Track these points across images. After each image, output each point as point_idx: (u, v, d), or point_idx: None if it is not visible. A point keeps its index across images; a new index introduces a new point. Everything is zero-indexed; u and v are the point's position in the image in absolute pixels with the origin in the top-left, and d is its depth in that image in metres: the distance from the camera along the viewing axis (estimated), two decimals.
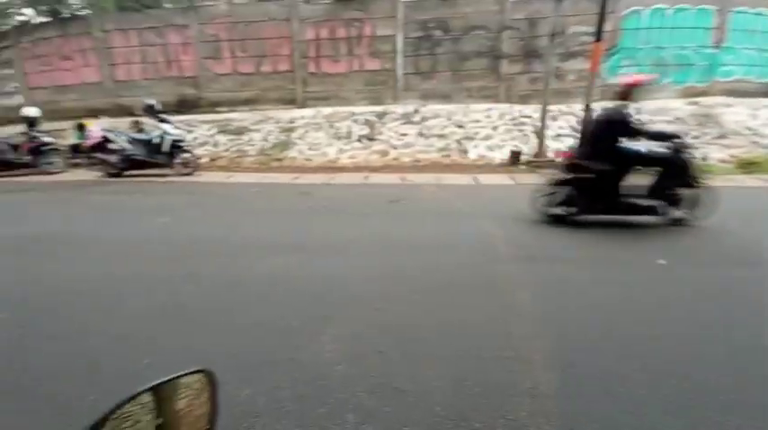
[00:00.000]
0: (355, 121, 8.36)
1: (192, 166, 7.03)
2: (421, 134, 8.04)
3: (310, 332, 2.15)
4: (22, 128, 7.77)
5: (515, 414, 1.54)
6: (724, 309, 2.32)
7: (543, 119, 6.87)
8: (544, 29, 7.99)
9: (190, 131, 8.32)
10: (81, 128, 7.97)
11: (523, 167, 6.88)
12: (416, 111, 8.38)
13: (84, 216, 4.88)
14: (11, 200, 5.92)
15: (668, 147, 3.65)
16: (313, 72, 9.19)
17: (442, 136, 7.94)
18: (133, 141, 7.05)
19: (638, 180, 3.81)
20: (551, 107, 7.19)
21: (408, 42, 8.72)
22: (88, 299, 2.65)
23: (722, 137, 7.38)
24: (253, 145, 8.33)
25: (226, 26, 9.14)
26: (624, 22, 8.10)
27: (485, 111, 8.18)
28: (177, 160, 6.95)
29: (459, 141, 7.80)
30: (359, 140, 8.09)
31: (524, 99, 8.48)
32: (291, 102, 9.26)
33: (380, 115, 8.40)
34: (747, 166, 6.43)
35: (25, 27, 10.35)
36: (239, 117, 8.93)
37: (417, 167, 7.33)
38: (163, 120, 6.97)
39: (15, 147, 7.68)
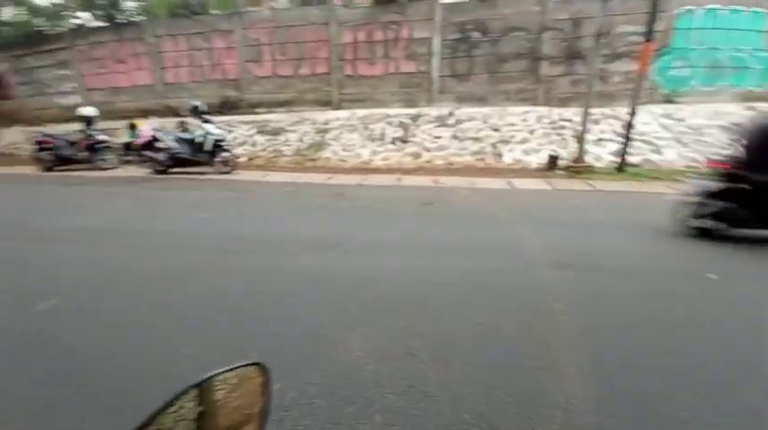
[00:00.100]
0: (389, 123, 8.39)
1: (231, 165, 7.31)
2: (455, 137, 7.95)
3: (342, 330, 2.17)
4: (79, 126, 8.40)
5: (546, 427, 1.49)
6: None
7: (585, 122, 6.60)
8: (588, 29, 7.69)
9: (230, 131, 8.67)
10: (133, 127, 8.52)
11: (561, 173, 6.64)
12: (451, 114, 8.29)
13: (133, 210, 5.19)
14: (68, 193, 6.40)
15: None
16: (349, 74, 9.32)
17: (476, 139, 7.82)
18: (179, 140, 7.43)
19: None
20: (594, 110, 6.90)
21: (445, 44, 8.66)
22: (133, 288, 2.82)
23: None
24: (289, 145, 8.55)
25: (267, 30, 9.46)
26: (676, 21, 7.65)
27: (522, 115, 7.97)
28: (218, 159, 7.26)
29: (494, 145, 7.64)
30: (392, 142, 8.11)
31: (564, 102, 8.19)
32: (327, 103, 9.44)
33: (414, 117, 8.38)
34: None
35: (80, 30, 11.13)
36: (276, 118, 9.20)
37: (450, 171, 7.25)
38: (206, 121, 7.30)
39: (73, 144, 8.30)
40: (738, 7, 7.55)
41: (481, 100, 8.63)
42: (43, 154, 8.27)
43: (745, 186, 3.36)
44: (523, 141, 7.58)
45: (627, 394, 1.65)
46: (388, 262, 3.13)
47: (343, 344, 2.04)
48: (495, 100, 8.56)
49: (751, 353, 1.96)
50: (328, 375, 1.79)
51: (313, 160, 8.12)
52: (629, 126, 6.41)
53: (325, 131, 8.55)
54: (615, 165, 6.65)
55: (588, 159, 6.79)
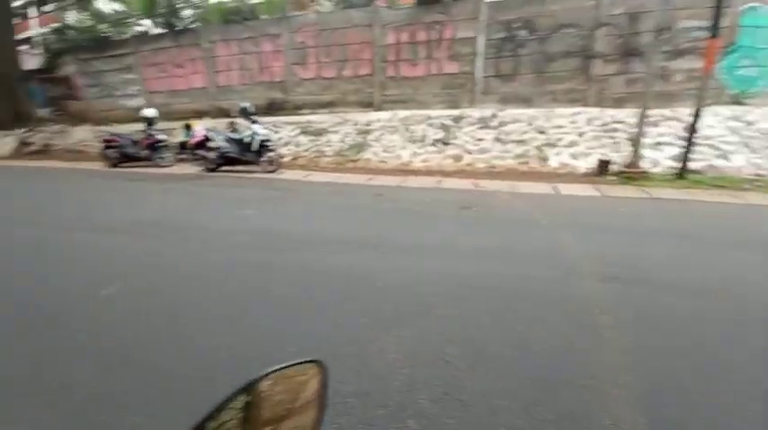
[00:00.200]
0: (431, 125, 8.32)
1: (276, 165, 7.59)
2: (498, 139, 7.73)
3: (377, 331, 2.19)
4: (141, 126, 9.09)
5: None
6: None
7: (641, 124, 6.17)
8: (647, 24, 7.20)
9: (275, 132, 8.99)
10: (188, 128, 9.07)
11: (612, 178, 6.26)
12: (494, 116, 8.08)
13: (186, 205, 5.54)
14: (131, 188, 6.94)
15: None
16: (391, 76, 9.35)
17: (520, 142, 7.56)
18: (228, 140, 7.83)
19: None
20: (652, 111, 6.44)
21: (489, 44, 8.45)
22: (183, 279, 3.01)
23: None
24: (330, 146, 8.73)
25: (312, 33, 9.72)
26: (742, 18, 6.97)
27: (570, 116, 7.60)
28: (263, 158, 7.56)
29: (539, 148, 7.35)
30: (433, 144, 8.04)
31: (618, 102, 7.72)
32: (369, 105, 9.53)
33: (456, 119, 8.26)
34: None
35: (144, 37, 12.06)
36: (319, 119, 9.42)
37: (492, 174, 7.06)
38: (254, 122, 7.63)
39: (136, 143, 9.01)
40: None
41: (526, 101, 8.34)
42: (110, 151, 9.04)
43: None
44: (571, 144, 7.23)
45: (680, 423, 1.52)
46: (426, 264, 3.10)
47: (377, 345, 2.04)
48: (542, 101, 8.23)
49: None
50: (362, 376, 1.80)
51: (354, 161, 8.24)
52: (692, 129, 5.92)
53: (367, 132, 8.64)
54: (675, 172, 6.17)
55: (644, 164, 6.35)
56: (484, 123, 8.04)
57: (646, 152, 6.50)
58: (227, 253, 3.49)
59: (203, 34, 10.80)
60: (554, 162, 7.09)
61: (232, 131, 8.25)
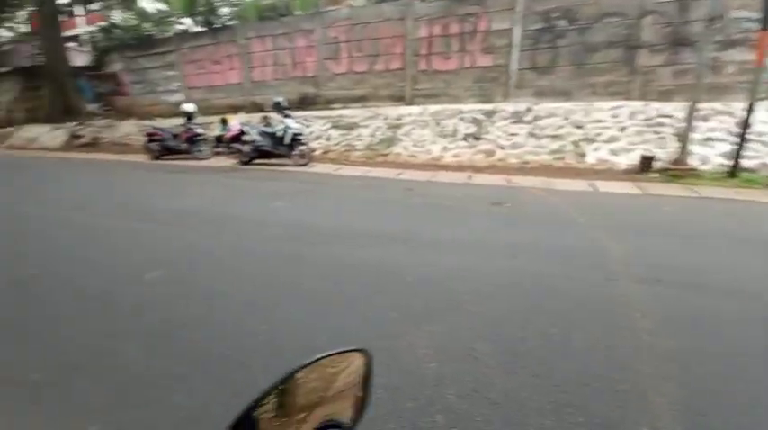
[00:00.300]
0: (462, 119, 8.18)
1: (307, 158, 7.72)
2: (532, 134, 7.49)
3: (407, 325, 2.20)
4: (181, 121, 9.49)
5: None
6: None
7: (690, 119, 5.79)
8: (696, 12, 6.73)
9: (307, 126, 9.14)
10: (224, 122, 9.39)
11: (656, 176, 5.92)
12: (529, 110, 7.83)
13: (221, 196, 5.75)
14: (171, 179, 7.28)
15: None
16: (423, 70, 9.25)
17: (555, 137, 7.29)
18: (262, 134, 8.04)
19: None
20: (702, 105, 6.03)
21: (526, 35, 8.17)
22: (219, 268, 3.13)
23: None
24: (361, 140, 8.77)
25: (345, 28, 9.76)
26: None
27: (611, 110, 7.24)
28: (295, 152, 7.71)
29: (576, 143, 7.06)
30: (464, 139, 7.91)
31: (665, 95, 7.27)
32: (400, 99, 9.48)
33: (489, 113, 8.07)
34: None
35: (185, 35, 12.54)
36: (350, 113, 9.48)
37: (525, 170, 6.87)
38: (286, 116, 7.78)
39: (176, 137, 9.43)
40: None
41: (564, 94, 8.02)
42: (152, 144, 9.52)
43: None
44: (611, 140, 6.90)
45: None
46: (457, 260, 3.07)
47: (406, 339, 2.05)
48: (581, 94, 7.89)
49: None
50: (392, 369, 1.82)
51: (384, 155, 8.24)
52: (744, 124, 5.50)
53: (397, 127, 8.61)
54: (726, 170, 5.76)
55: (692, 161, 5.97)
56: (518, 118, 7.82)
57: (694, 148, 6.11)
58: (260, 244, 3.60)
59: (240, 31, 11.10)
60: (592, 158, 6.80)
61: (266, 125, 8.46)
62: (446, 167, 7.26)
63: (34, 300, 2.71)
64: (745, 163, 5.68)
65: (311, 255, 3.30)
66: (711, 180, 5.58)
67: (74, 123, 13.27)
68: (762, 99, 5.72)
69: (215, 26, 11.90)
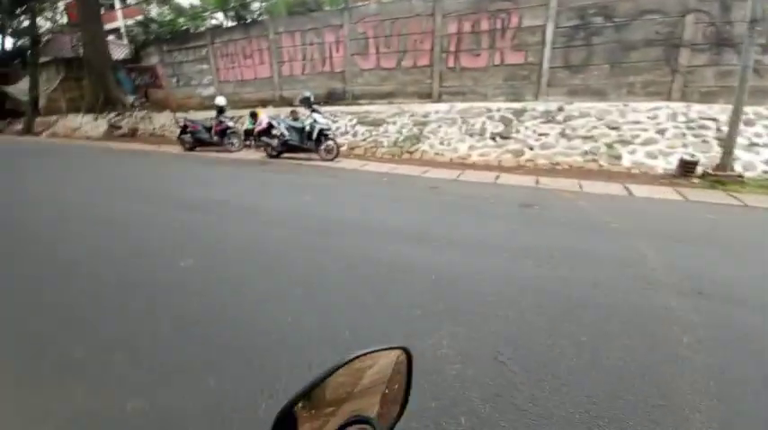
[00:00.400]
0: (490, 118, 8.02)
1: (334, 153, 7.77)
2: (563, 135, 7.26)
3: (430, 324, 2.18)
4: (213, 114, 9.76)
5: None
6: None
7: (734, 122, 5.47)
8: (740, 13, 6.34)
9: (334, 121, 9.20)
10: (254, 116, 9.58)
11: (696, 181, 5.63)
12: (560, 110, 7.59)
13: (250, 188, 5.88)
14: (202, 170, 7.50)
15: None
16: (451, 67, 9.12)
17: (588, 138, 7.04)
18: (290, 128, 8.15)
19: None
20: (747, 108, 5.68)
21: (559, 32, 7.91)
22: (247, 258, 3.21)
23: None
24: (387, 136, 8.75)
25: (374, 24, 9.73)
26: None
27: (649, 111, 6.91)
28: (322, 147, 7.78)
29: (610, 145, 6.79)
30: (492, 138, 7.75)
31: (707, 97, 6.89)
32: (428, 96, 9.39)
33: (518, 113, 7.88)
34: None
35: (218, 29, 12.85)
36: (377, 109, 9.47)
37: (555, 171, 6.67)
38: (314, 111, 7.86)
39: (208, 129, 9.71)
40: None
41: (598, 94, 7.72)
42: (185, 136, 9.84)
43: None
44: (649, 142, 6.60)
45: None
46: (483, 261, 3.02)
47: (430, 339, 2.04)
48: (617, 94, 7.58)
49: None
50: (414, 367, 1.80)
51: (410, 152, 8.20)
52: None
53: (424, 124, 8.54)
54: None
55: (736, 167, 5.64)
56: (548, 117, 7.59)
57: (739, 153, 5.77)
58: (287, 236, 3.66)
59: (270, 26, 11.26)
60: (627, 161, 6.53)
61: (293, 120, 8.57)
62: (473, 167, 7.15)
63: (76, 282, 2.86)
64: None
65: (337, 248, 3.32)
66: (756, 188, 5.25)
67: (113, 114, 13.88)
68: None
69: (246, 21, 12.14)
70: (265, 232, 3.80)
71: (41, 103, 16.82)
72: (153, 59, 14.17)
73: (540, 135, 7.43)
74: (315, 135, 7.77)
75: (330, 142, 7.78)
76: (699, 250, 3.25)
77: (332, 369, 0.50)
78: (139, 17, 15.69)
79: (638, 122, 6.88)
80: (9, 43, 18.85)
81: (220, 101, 9.60)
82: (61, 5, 17.74)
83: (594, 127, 7.14)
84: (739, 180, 5.42)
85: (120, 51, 15.61)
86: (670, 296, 2.45)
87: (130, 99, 14.67)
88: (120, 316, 2.38)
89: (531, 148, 7.32)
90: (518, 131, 7.64)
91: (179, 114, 11.70)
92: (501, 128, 7.82)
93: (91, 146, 11.92)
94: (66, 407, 1.68)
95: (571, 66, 7.96)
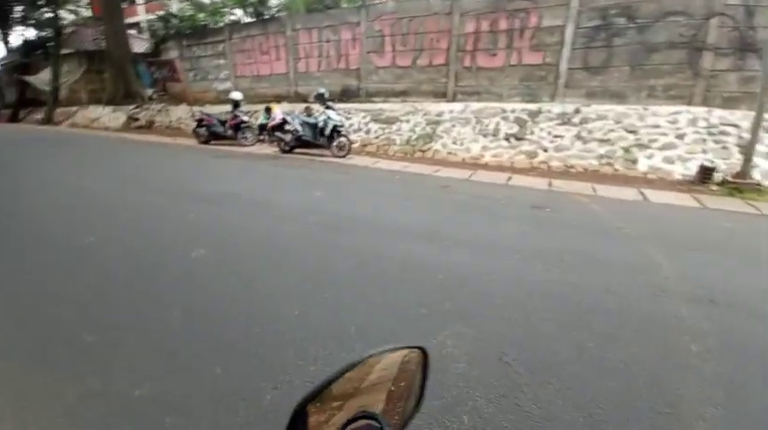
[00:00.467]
0: (505, 119, 7.95)
1: (346, 150, 7.80)
2: (579, 137, 7.15)
3: (436, 323, 2.19)
4: (228, 108, 9.89)
5: None
6: None
7: (756, 129, 5.32)
8: (765, 18, 6.15)
9: (348, 118, 9.22)
10: (268, 111, 9.66)
11: (715, 188, 5.49)
12: (577, 112, 7.47)
13: (263, 182, 5.95)
14: (216, 163, 7.61)
15: None
16: (467, 66, 9.05)
17: (605, 141, 6.92)
18: (303, 124, 8.21)
19: None
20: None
21: (579, 33, 7.78)
22: (258, 251, 3.25)
23: None
24: (400, 134, 8.74)
25: (390, 22, 9.71)
26: None
27: (670, 115, 6.76)
28: (334, 143, 7.81)
29: (627, 148, 6.67)
30: (506, 139, 7.68)
31: (730, 103, 6.70)
32: (442, 95, 9.35)
33: (533, 114, 7.78)
34: None
35: (236, 25, 12.99)
36: (391, 107, 9.46)
37: (569, 174, 6.59)
38: (328, 107, 7.89)
39: (223, 123, 9.84)
40: None
41: (617, 96, 7.58)
42: (201, 129, 9.99)
43: None
44: (667, 147, 6.45)
45: None
46: (492, 262, 3.01)
47: (435, 338, 2.05)
48: (636, 97, 7.43)
49: None
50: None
51: (422, 151, 8.18)
52: None
53: (437, 123, 8.51)
54: None
55: (755, 175, 5.49)
56: (564, 119, 7.49)
57: (760, 161, 5.61)
58: (298, 231, 3.70)
59: (287, 22, 11.33)
60: (643, 165, 6.40)
61: (307, 116, 8.63)
62: (485, 167, 7.11)
63: (90, 267, 2.95)
64: None
65: (347, 245, 3.35)
66: None
67: (132, 106, 14.17)
68: None
69: (264, 17, 12.24)
70: (277, 227, 3.85)
71: (63, 93, 17.25)
72: (172, 54, 14.40)
73: (555, 137, 7.34)
74: (328, 131, 7.81)
75: (343, 139, 7.82)
76: (714, 259, 3.18)
77: (351, 364, 0.51)
78: (160, 12, 15.95)
79: (657, 126, 6.74)
80: (32, 34, 19.39)
81: (236, 95, 9.72)
82: None
83: (612, 130, 7.02)
84: (758, 188, 5.28)
85: (140, 45, 15.91)
86: (682, 304, 2.41)
87: (149, 92, 14.95)
88: (129, 301, 2.45)
89: (545, 150, 7.23)
90: (532, 133, 7.56)
91: (195, 108, 11.87)
92: (515, 129, 7.74)
93: (109, 136, 12.19)
94: (76, 389, 1.74)
95: (590, 67, 7.83)
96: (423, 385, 0.60)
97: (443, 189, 5.47)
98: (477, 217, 4.28)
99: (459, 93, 9.20)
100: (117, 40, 14.47)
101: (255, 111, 10.50)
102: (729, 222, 4.15)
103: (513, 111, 7.98)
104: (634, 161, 6.50)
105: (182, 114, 12.91)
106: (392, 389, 0.59)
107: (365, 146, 8.86)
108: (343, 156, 7.73)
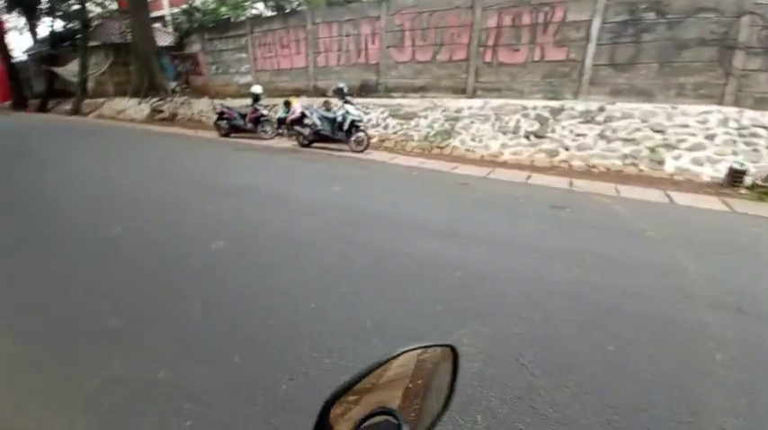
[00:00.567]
0: (525, 116, 7.80)
1: (364, 145, 7.81)
2: (602, 136, 6.97)
3: (452, 320, 2.19)
4: (249, 101, 10.02)
5: None
6: None
7: None
8: None
9: (366, 113, 9.22)
10: (287, 105, 9.75)
11: (744, 192, 5.29)
12: (601, 110, 7.27)
13: (281, 176, 6.02)
14: (236, 156, 7.74)
15: None
16: (487, 62, 8.90)
17: (629, 140, 6.72)
18: (322, 119, 8.25)
19: None
20: None
21: (606, 28, 7.54)
22: (276, 245, 3.31)
23: None
24: (418, 130, 8.70)
25: (411, 16, 9.62)
26: None
27: (699, 115, 6.51)
28: (353, 138, 7.83)
29: (653, 149, 6.46)
30: (526, 137, 7.55)
31: (761, 104, 6.40)
32: (462, 91, 9.23)
33: (555, 111, 7.62)
34: None
35: (257, 19, 13.10)
36: (410, 103, 9.40)
37: (590, 174, 6.44)
38: (347, 102, 7.91)
39: (243, 116, 9.99)
40: None
41: (644, 94, 7.34)
42: (222, 122, 10.17)
43: None
44: (696, 148, 6.23)
45: None
46: (510, 261, 2.99)
47: (452, 335, 2.05)
48: (664, 95, 7.17)
49: None
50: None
51: (440, 148, 8.12)
52: None
53: (456, 120, 8.42)
54: None
55: None
56: (588, 117, 7.31)
57: None
58: (317, 225, 3.74)
59: (308, 16, 11.37)
60: (670, 166, 6.20)
61: (326, 110, 8.67)
62: (504, 165, 7.02)
63: (114, 257, 3.05)
64: None
65: (366, 240, 3.37)
66: None
67: (156, 99, 14.50)
68: None
69: (285, 11, 12.31)
70: (296, 220, 3.90)
71: (90, 85, 17.76)
72: (195, 47, 14.65)
73: (578, 135, 7.17)
74: (346, 126, 7.83)
75: (361, 134, 7.83)
76: (741, 263, 3.07)
77: (384, 360, 0.52)
78: (184, 6, 16.22)
79: (685, 126, 6.51)
80: (59, 25, 19.96)
81: (257, 89, 9.83)
82: None
83: (637, 129, 6.81)
84: None
85: (164, 39, 16.22)
86: (707, 310, 2.34)
87: (172, 85, 15.26)
88: (153, 290, 2.54)
89: (567, 149, 7.08)
90: (554, 131, 7.41)
91: (216, 101, 12.07)
92: (536, 126, 7.60)
93: (134, 128, 12.52)
94: (100, 373, 1.81)
95: (616, 64, 7.59)
96: (452, 384, 0.61)
97: (462, 186, 5.43)
98: (495, 215, 4.24)
99: (478, 89, 9.07)
100: (143, 33, 14.80)
101: (275, 105, 10.61)
102: (757, 227, 3.99)
103: (534, 108, 7.83)
104: (660, 162, 6.31)
105: (203, 107, 13.14)
106: (409, 386, 0.60)
107: (383, 141, 8.85)
108: (361, 151, 7.74)
